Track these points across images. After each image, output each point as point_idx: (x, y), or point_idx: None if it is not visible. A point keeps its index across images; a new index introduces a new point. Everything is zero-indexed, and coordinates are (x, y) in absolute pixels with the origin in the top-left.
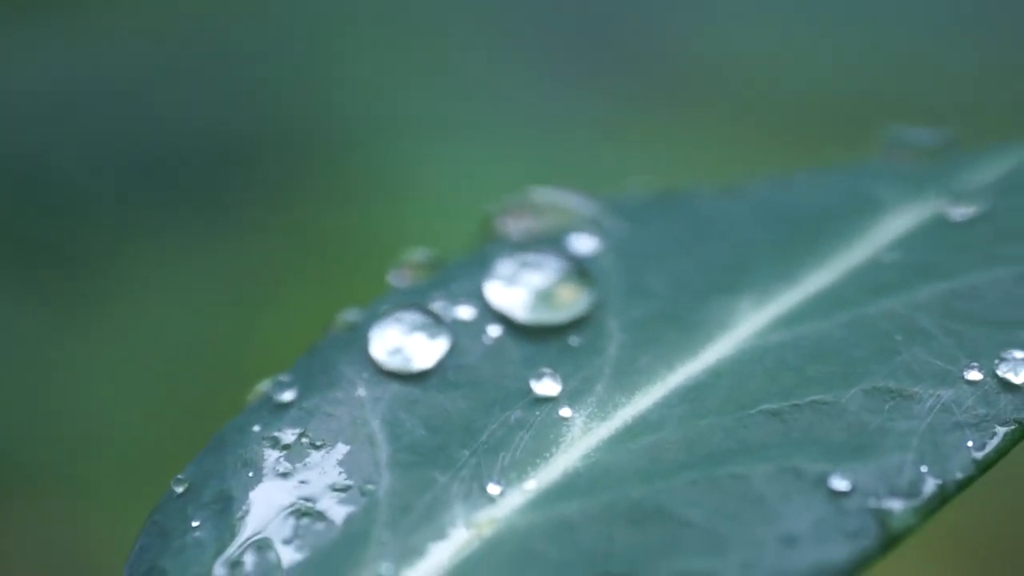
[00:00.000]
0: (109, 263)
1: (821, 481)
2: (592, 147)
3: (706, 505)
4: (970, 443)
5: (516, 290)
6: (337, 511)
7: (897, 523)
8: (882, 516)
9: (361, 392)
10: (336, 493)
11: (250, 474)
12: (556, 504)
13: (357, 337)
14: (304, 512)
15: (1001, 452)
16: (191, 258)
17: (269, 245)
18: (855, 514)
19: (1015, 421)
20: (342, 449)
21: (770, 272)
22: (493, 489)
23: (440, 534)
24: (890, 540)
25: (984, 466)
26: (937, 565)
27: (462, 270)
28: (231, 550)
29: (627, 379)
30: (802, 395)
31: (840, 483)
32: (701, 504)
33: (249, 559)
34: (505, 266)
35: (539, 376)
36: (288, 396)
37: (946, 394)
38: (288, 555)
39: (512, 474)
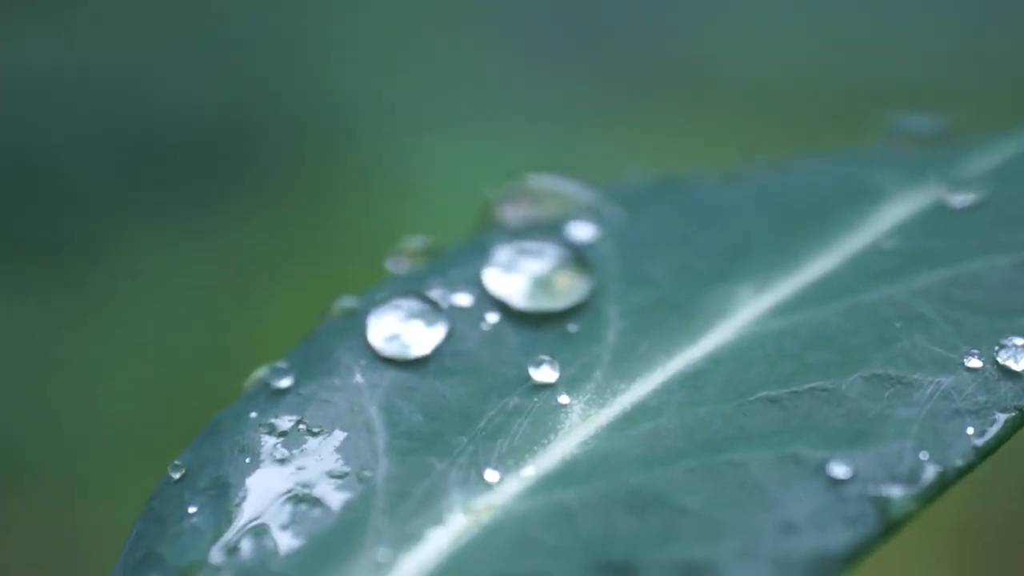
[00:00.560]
0: (102, 253)
1: (820, 468)
2: (590, 136)
3: (705, 492)
4: (970, 430)
5: (514, 277)
6: (334, 497)
7: (897, 510)
8: (882, 503)
9: (359, 379)
10: (333, 479)
11: (247, 460)
12: (554, 491)
13: (355, 324)
14: (301, 498)
15: (1001, 439)
16: (186, 247)
17: (264, 235)
18: (854, 501)
19: (1015, 408)
20: (339, 435)
21: (769, 259)
22: (491, 476)
23: (438, 520)
24: (890, 527)
25: (984, 453)
26: (939, 565)
27: (460, 257)
28: (228, 536)
29: (626, 366)
30: (801, 382)
31: (839, 470)
32: (700, 491)
33: (246, 545)
34: (503, 253)
35: (537, 363)
36: (285, 383)
37: (946, 381)
38: (285, 541)
39: (510, 461)
